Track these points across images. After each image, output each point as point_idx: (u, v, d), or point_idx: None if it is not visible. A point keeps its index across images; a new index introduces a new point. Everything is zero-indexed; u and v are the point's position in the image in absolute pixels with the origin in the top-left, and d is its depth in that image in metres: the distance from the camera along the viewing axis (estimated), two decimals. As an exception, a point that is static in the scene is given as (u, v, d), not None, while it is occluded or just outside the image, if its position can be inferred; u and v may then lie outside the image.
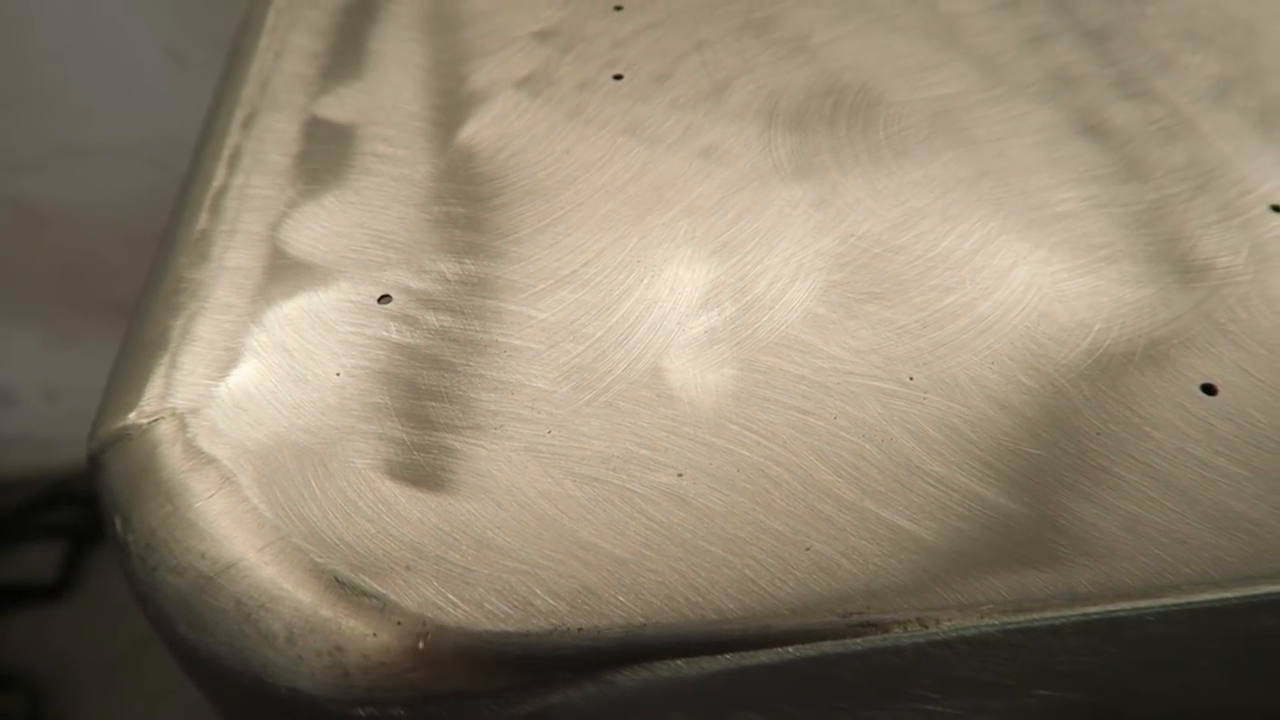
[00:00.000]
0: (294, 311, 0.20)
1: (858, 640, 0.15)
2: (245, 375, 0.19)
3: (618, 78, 0.26)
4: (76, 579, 1.26)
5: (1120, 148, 0.23)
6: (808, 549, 0.16)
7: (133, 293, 1.00)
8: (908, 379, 0.18)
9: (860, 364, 0.19)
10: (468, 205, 0.23)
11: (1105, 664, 0.16)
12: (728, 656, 0.15)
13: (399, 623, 0.16)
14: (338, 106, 0.25)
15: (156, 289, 0.22)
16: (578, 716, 0.16)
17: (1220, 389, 0.18)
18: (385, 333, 0.20)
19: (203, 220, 0.23)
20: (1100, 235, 0.21)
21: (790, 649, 0.15)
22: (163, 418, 0.19)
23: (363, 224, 0.22)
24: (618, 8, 0.28)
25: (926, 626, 0.15)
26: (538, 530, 0.16)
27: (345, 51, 0.27)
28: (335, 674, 0.16)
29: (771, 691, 0.15)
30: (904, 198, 0.22)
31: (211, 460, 0.18)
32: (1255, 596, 0.16)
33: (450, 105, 0.26)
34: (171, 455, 0.18)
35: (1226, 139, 0.23)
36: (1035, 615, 0.15)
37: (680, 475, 0.17)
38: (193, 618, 0.17)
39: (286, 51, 0.28)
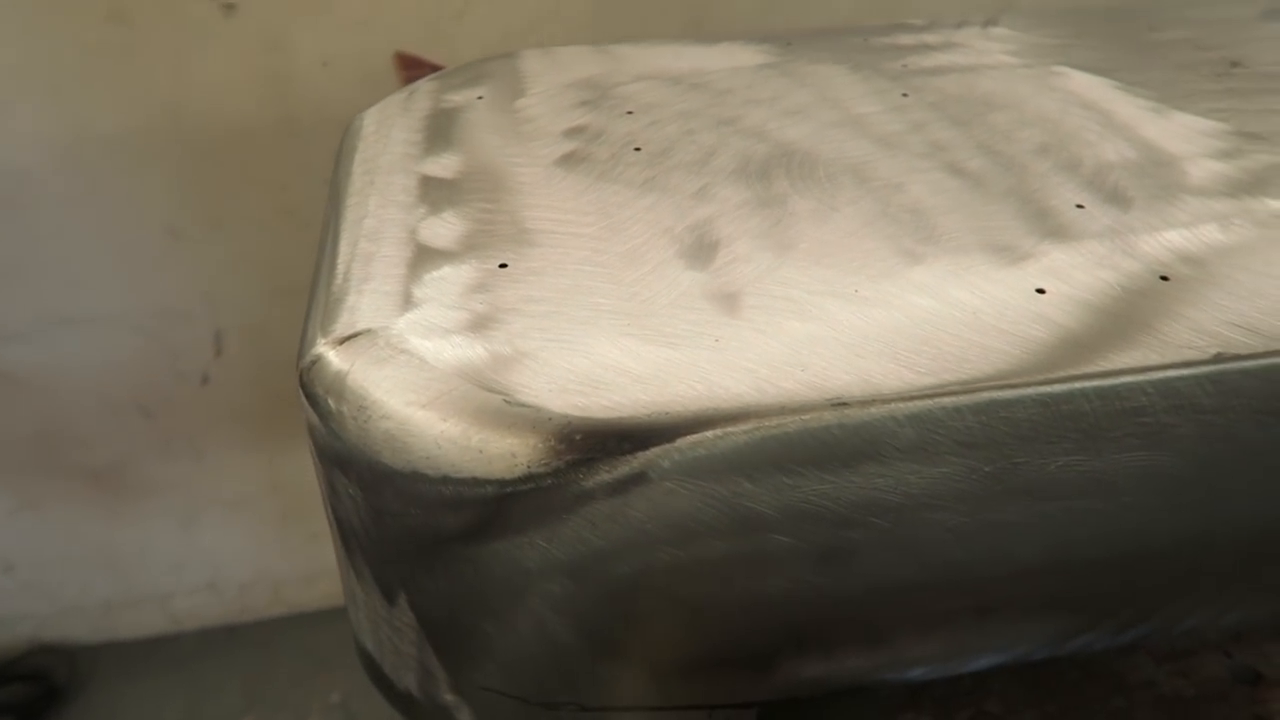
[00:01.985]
0: (440, 276, 0.30)
1: (838, 414, 0.25)
2: (414, 312, 0.29)
3: (637, 149, 0.37)
4: (23, 755, 1.23)
5: (975, 180, 0.35)
6: (804, 368, 0.25)
7: (105, 459, 1.10)
8: (854, 292, 0.29)
9: (818, 283, 0.29)
10: (546, 220, 0.33)
11: (992, 436, 0.25)
12: (753, 425, 0.24)
13: (550, 419, 0.25)
14: (440, 169, 0.36)
15: (330, 274, 0.31)
16: (662, 473, 0.24)
17: (1048, 290, 0.29)
18: (507, 285, 0.29)
19: (352, 234, 0.33)
20: (959, 223, 0.32)
21: (797, 417, 0.24)
22: (359, 334, 0.28)
23: (476, 229, 0.32)
24: (629, 112, 0.40)
25: (880, 404, 0.25)
26: (627, 369, 0.26)
27: (436, 140, 0.38)
28: (508, 460, 0.24)
29: (790, 456, 0.25)
30: (838, 206, 0.33)
31: (402, 350, 0.27)
32: (1073, 390, 0.26)
33: (519, 169, 0.36)
34: (370, 353, 0.27)
35: (1043, 175, 0.35)
36: (944, 398, 0.25)
37: (717, 340, 0.27)
38: (398, 446, 0.26)
39: (390, 141, 0.39)
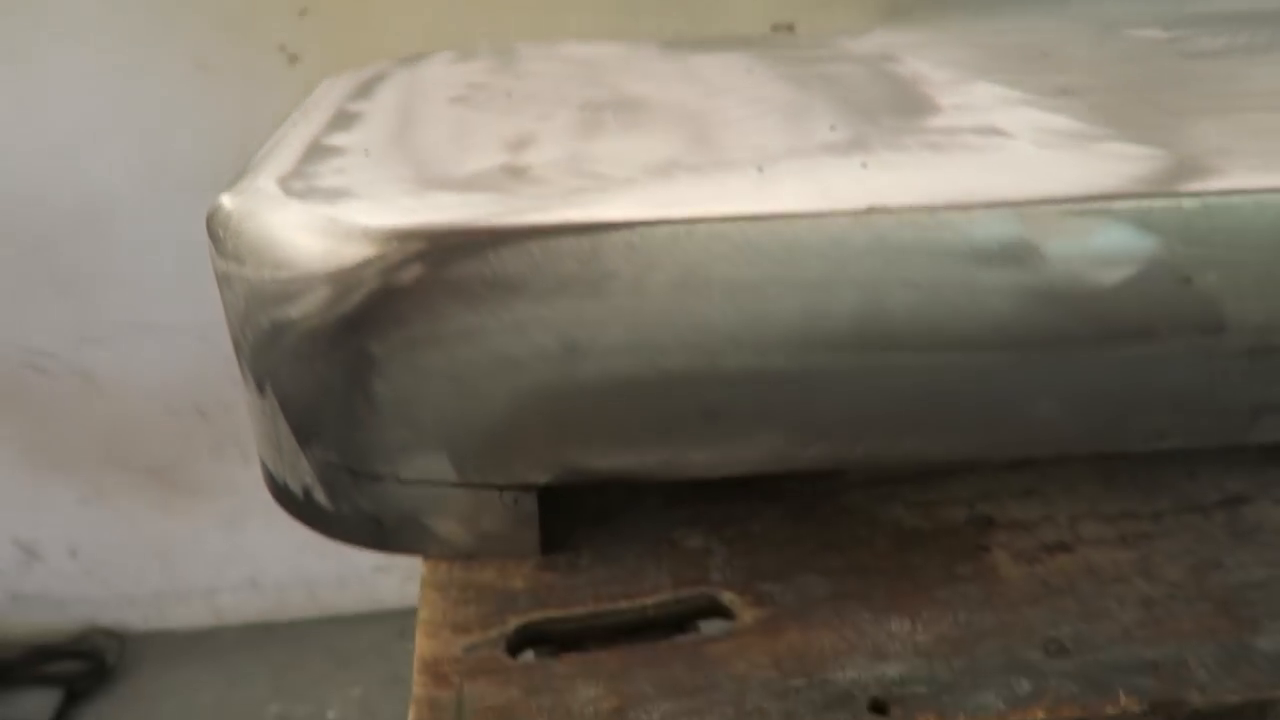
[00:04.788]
0: (320, 159, 0.40)
1: (577, 237, 0.34)
2: (294, 177, 0.39)
3: (509, 95, 0.47)
4: (66, 726, 1.33)
5: (770, 110, 0.44)
6: (566, 203, 0.35)
7: (164, 457, 1.26)
8: (624, 177, 0.38)
9: (596, 169, 0.38)
10: (416, 133, 0.43)
11: (691, 251, 0.34)
12: (514, 241, 0.33)
13: (367, 226, 0.34)
14: (355, 107, 0.47)
15: (246, 165, 0.42)
16: (485, 268, 0.34)
17: (763, 171, 0.37)
18: (366, 163, 0.40)
19: (273, 142, 0.44)
20: (731, 138, 0.41)
21: (546, 238, 0.33)
22: (252, 189, 0.38)
23: (361, 138, 0.43)
24: (517, 76, 0.51)
25: (606, 230, 0.34)
26: (432, 202, 0.35)
27: (363, 91, 0.50)
28: (336, 256, 0.34)
29: (536, 271, 0.34)
30: (639, 125, 0.43)
31: (276, 194, 0.37)
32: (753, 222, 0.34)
33: (415, 106, 0.47)
34: (255, 198, 0.38)
35: (820, 111, 0.44)
36: (661, 224, 0.34)
37: (500, 190, 0.36)
38: (264, 253, 0.35)
39: (331, 92, 0.50)
